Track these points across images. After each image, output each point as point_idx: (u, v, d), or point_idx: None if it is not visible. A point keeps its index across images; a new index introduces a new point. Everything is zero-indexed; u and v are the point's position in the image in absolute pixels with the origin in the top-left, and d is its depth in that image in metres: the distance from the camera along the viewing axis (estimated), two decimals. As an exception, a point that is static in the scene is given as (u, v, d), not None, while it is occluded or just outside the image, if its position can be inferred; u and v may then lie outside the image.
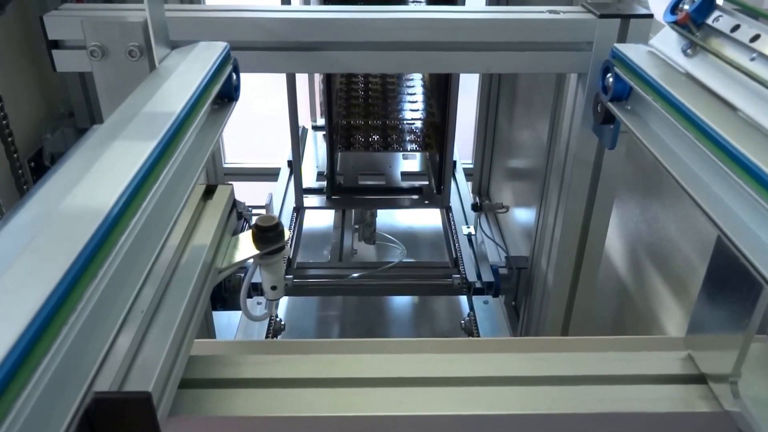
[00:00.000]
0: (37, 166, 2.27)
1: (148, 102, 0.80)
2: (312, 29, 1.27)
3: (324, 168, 2.66)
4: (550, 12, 1.31)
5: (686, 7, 0.94)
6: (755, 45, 0.80)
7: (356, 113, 2.73)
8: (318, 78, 3.29)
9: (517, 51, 1.31)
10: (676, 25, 0.96)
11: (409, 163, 2.86)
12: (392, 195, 2.64)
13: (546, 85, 2.18)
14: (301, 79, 3.01)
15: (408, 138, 2.63)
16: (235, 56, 1.06)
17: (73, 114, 2.48)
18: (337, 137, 2.57)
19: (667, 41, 1.01)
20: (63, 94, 2.45)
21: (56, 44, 1.25)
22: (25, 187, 2.07)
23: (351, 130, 2.65)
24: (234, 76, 1.03)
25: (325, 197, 2.61)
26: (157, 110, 0.78)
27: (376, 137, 2.62)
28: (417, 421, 0.78)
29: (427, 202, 2.61)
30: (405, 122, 2.71)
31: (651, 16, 1.26)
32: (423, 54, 1.31)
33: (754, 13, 0.84)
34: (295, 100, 2.48)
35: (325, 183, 2.63)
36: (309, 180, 2.75)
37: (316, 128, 3.27)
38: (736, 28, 0.84)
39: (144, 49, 1.01)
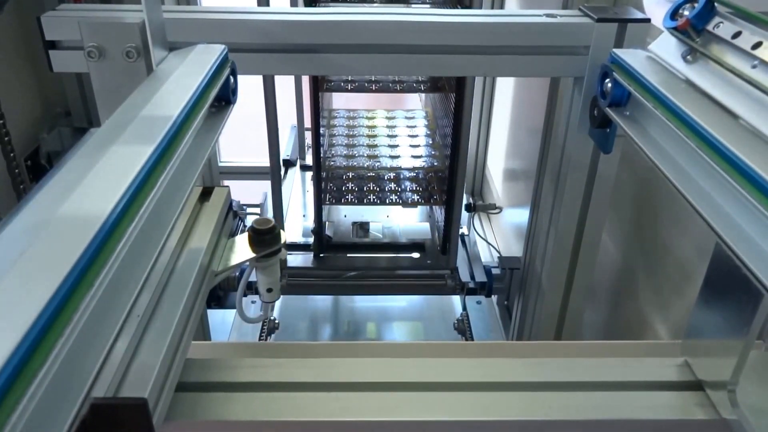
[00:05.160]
0: (33, 165, 2.27)
1: (146, 105, 0.80)
2: (309, 31, 1.26)
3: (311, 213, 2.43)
4: (547, 16, 1.31)
5: (686, 12, 0.94)
6: (757, 52, 0.79)
7: (349, 158, 2.45)
8: (307, 115, 2.98)
9: (513, 54, 1.31)
10: (676, 30, 0.96)
11: (409, 211, 2.61)
12: (390, 252, 2.35)
13: (540, 87, 2.17)
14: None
15: (408, 187, 2.38)
16: (232, 58, 1.06)
17: (69, 113, 2.47)
18: (327, 185, 2.33)
19: (667, 47, 1.00)
20: (60, 94, 2.44)
21: (53, 44, 1.25)
22: (21, 186, 2.07)
23: (343, 177, 2.42)
24: (232, 79, 1.03)
25: (311, 255, 2.30)
26: (155, 114, 0.78)
27: (371, 185, 2.38)
28: (412, 426, 0.78)
29: (429, 261, 2.31)
30: (405, 170, 2.43)
31: (648, 20, 1.25)
32: (419, 57, 1.30)
33: (754, 19, 0.84)
34: (276, 139, 2.16)
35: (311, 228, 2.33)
36: (294, 231, 2.49)
37: (304, 168, 3.02)
38: (737, 35, 0.84)
39: (141, 50, 1.01)
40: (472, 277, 2.22)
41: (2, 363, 0.41)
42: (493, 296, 2.31)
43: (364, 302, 2.75)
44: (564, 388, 0.82)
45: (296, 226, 2.51)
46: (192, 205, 1.02)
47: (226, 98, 1.02)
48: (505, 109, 2.85)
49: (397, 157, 2.45)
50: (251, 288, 1.42)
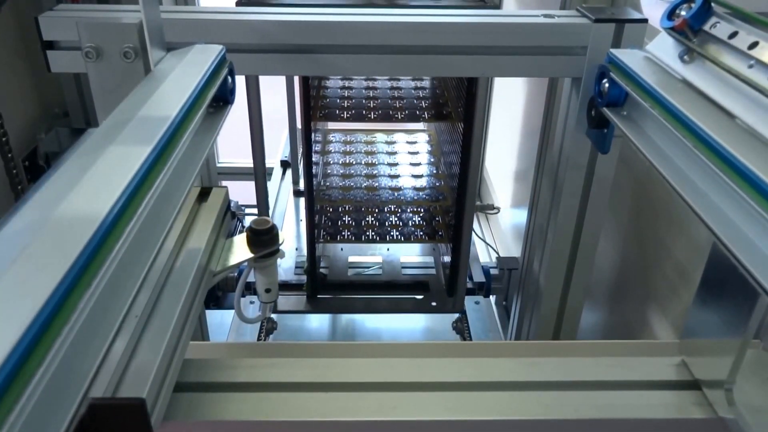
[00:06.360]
0: (31, 166, 2.27)
1: (144, 106, 0.80)
2: (307, 32, 1.26)
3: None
4: (545, 16, 1.31)
5: (683, 12, 0.94)
6: (753, 52, 0.80)
7: (345, 190, 2.18)
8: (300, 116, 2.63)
9: (511, 55, 1.31)
10: (673, 30, 0.96)
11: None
12: (390, 293, 2.14)
13: (538, 88, 2.17)
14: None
15: (411, 221, 2.20)
16: (230, 58, 1.06)
17: (67, 114, 2.47)
18: (321, 219, 2.16)
19: (664, 47, 1.00)
20: (58, 94, 2.44)
21: (51, 45, 1.25)
22: (19, 186, 2.07)
23: (339, 210, 2.25)
24: (230, 80, 1.03)
25: (305, 297, 2.10)
26: (153, 114, 0.78)
27: (370, 219, 2.20)
28: (411, 426, 0.78)
29: (434, 304, 2.09)
30: (407, 203, 2.20)
31: (645, 21, 1.26)
32: (418, 57, 1.30)
33: (750, 19, 0.84)
34: (261, 142, 2.03)
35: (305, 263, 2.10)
36: (285, 267, 2.23)
37: (298, 193, 2.72)
38: (734, 35, 0.84)
39: (139, 50, 1.01)
40: (471, 278, 2.22)
41: (0, 363, 0.41)
42: (491, 296, 2.31)
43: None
44: (562, 388, 0.82)
45: (288, 262, 2.28)
46: (190, 205, 1.02)
47: (224, 98, 1.02)
48: (503, 109, 2.85)
49: (399, 189, 2.22)
50: (249, 288, 1.42)
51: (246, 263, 0.99)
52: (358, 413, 0.78)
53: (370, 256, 2.29)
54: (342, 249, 2.29)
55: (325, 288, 2.13)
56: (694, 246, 1.35)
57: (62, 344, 0.47)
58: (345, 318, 2.54)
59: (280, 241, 1.00)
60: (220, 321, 2.40)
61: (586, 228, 1.50)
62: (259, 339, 2.26)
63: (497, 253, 2.66)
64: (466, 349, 1.14)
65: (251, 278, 1.06)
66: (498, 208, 2.94)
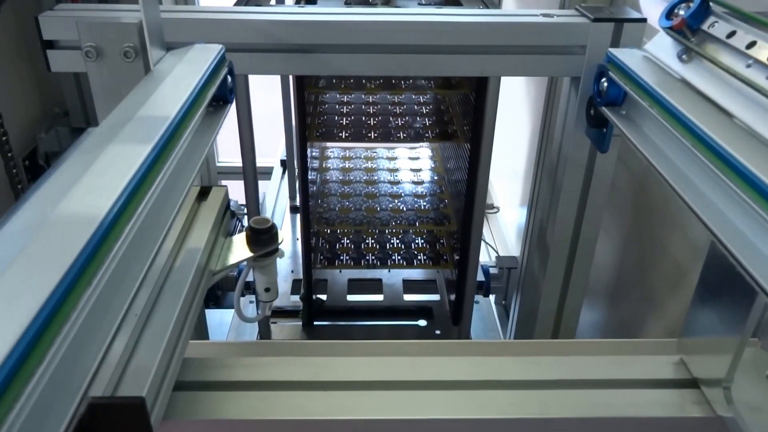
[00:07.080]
0: (31, 165, 2.27)
1: (144, 105, 0.80)
2: (307, 31, 1.26)
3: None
4: (544, 15, 1.31)
5: (682, 12, 0.94)
6: (751, 52, 0.80)
7: (344, 212, 2.07)
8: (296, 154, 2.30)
9: (510, 54, 1.31)
10: (671, 30, 0.96)
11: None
12: (392, 319, 2.03)
13: (538, 87, 2.17)
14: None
15: (413, 244, 2.09)
16: (230, 58, 1.06)
17: (67, 113, 2.48)
18: (318, 242, 2.05)
19: (663, 46, 1.01)
20: (58, 94, 2.44)
21: (51, 44, 1.25)
22: (19, 186, 2.07)
23: (338, 233, 2.13)
24: (229, 79, 1.03)
25: (300, 324, 2.00)
26: (153, 114, 0.78)
27: (370, 242, 2.09)
28: (410, 425, 0.78)
29: (439, 332, 1.99)
30: (410, 225, 2.06)
31: (644, 20, 1.26)
32: (417, 57, 1.30)
33: (748, 19, 0.84)
34: (252, 143, 1.97)
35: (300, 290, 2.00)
36: (280, 291, 2.00)
37: (294, 209, 2.61)
38: (732, 34, 0.85)
39: (139, 50, 1.01)
40: (470, 277, 2.22)
41: (0, 362, 0.41)
42: (490, 296, 2.31)
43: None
44: (561, 386, 0.82)
45: (283, 286, 2.13)
46: (190, 204, 1.02)
47: (223, 98, 1.02)
48: (502, 108, 2.84)
49: (401, 211, 2.11)
50: (249, 287, 1.42)
51: (245, 262, 1.00)
52: (356, 412, 0.78)
53: (370, 279, 2.18)
54: (341, 271, 2.18)
55: (322, 314, 2.02)
56: (693, 245, 1.35)
57: (62, 343, 0.47)
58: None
59: (280, 240, 1.00)
60: (220, 320, 2.40)
61: (585, 227, 1.50)
62: (258, 338, 2.25)
63: (496, 253, 2.65)
64: (465, 348, 1.14)
65: (251, 277, 1.06)
66: (497, 208, 2.94)
